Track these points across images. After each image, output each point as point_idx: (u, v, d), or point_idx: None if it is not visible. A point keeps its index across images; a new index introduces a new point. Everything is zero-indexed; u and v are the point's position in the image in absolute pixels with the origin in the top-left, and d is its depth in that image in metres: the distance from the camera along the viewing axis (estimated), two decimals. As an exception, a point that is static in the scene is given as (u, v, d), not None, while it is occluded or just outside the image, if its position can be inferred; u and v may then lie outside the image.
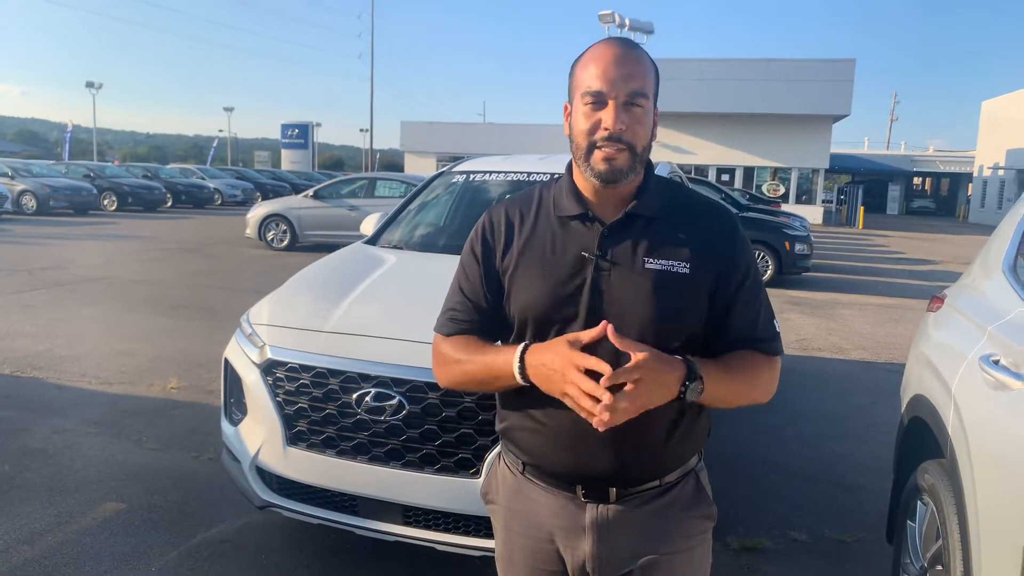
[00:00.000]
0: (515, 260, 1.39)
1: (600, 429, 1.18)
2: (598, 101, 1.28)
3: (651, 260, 1.32)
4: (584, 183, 1.37)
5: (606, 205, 1.37)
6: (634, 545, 1.39)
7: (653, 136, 1.34)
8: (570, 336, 1.24)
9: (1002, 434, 1.88)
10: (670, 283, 1.30)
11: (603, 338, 1.27)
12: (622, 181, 1.32)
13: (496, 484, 1.53)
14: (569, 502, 1.39)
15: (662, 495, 1.40)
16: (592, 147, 1.29)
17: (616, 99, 1.27)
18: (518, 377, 1.29)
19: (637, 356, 1.18)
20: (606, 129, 1.27)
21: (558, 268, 1.34)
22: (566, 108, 1.38)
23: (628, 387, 1.17)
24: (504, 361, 1.32)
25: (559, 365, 1.22)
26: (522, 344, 1.31)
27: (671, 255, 1.32)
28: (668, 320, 1.29)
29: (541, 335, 1.35)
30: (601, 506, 1.38)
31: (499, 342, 1.42)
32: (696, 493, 1.45)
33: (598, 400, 1.17)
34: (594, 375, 1.19)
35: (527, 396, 1.37)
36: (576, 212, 1.36)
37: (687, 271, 1.31)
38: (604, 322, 1.21)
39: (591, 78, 1.29)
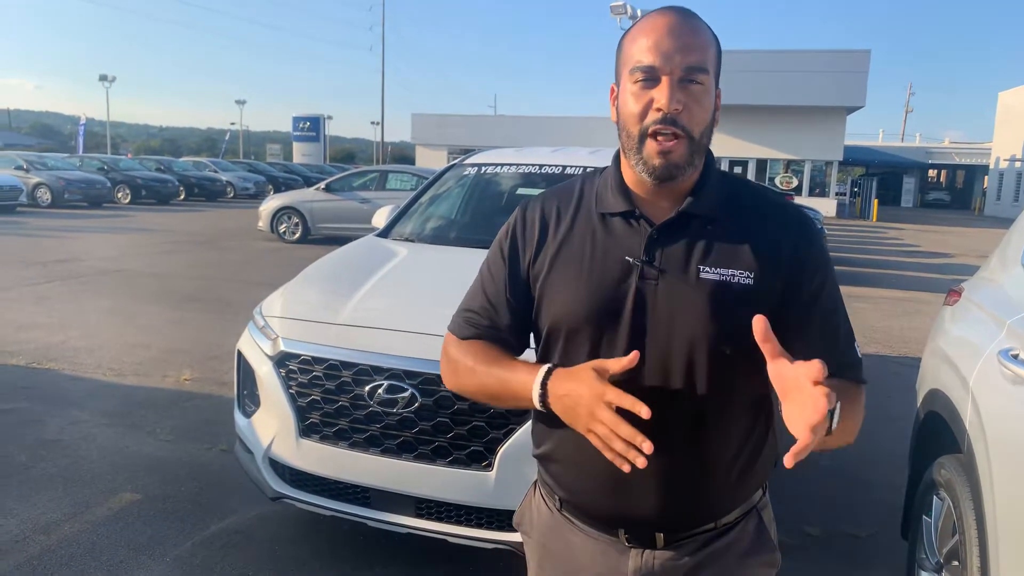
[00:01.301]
0: (548, 263, 1.21)
1: (633, 467, 1.01)
2: (650, 78, 1.09)
3: (707, 268, 1.13)
4: (632, 176, 1.18)
5: (656, 202, 1.18)
6: None
7: (715, 121, 1.15)
8: (597, 364, 1.06)
9: (1021, 428, 1.86)
10: (730, 296, 1.11)
11: (649, 356, 1.12)
12: (679, 178, 1.13)
13: (531, 516, 1.36)
14: (610, 547, 1.22)
15: (717, 538, 1.22)
16: (644, 135, 1.11)
17: (671, 75, 1.08)
18: (537, 404, 1.13)
19: (824, 389, 0.91)
20: (659, 110, 1.08)
21: (597, 274, 1.16)
22: (612, 91, 1.19)
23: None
24: (522, 383, 1.15)
25: (586, 399, 1.04)
26: (545, 367, 1.14)
27: (731, 263, 1.13)
28: (726, 340, 1.09)
29: (572, 350, 1.18)
30: (647, 552, 1.20)
31: (520, 355, 1.26)
32: (758, 535, 1.25)
33: (631, 445, 1.00)
34: (628, 415, 1.01)
35: (562, 421, 1.20)
36: (620, 209, 1.18)
37: (750, 282, 1.12)
38: (635, 353, 1.05)
39: (641, 51, 1.10)
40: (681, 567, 1.21)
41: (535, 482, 1.38)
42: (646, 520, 1.19)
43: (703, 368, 1.12)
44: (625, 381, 1.10)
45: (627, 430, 1.00)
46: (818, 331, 1.16)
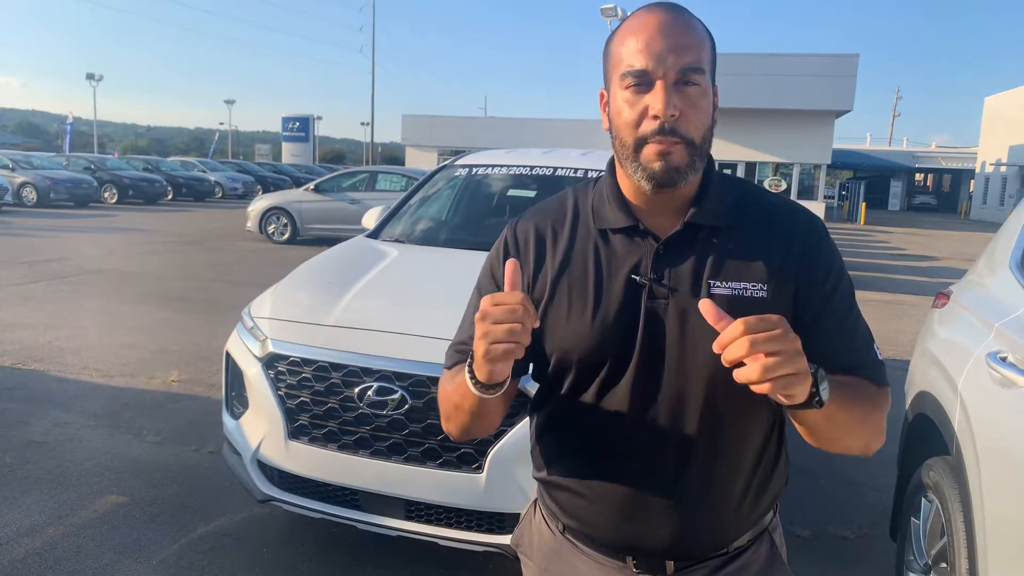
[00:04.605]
0: (549, 288, 1.12)
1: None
2: (642, 82, 1.01)
3: (718, 283, 1.05)
4: (630, 186, 1.09)
5: (659, 213, 1.09)
6: None
7: (714, 121, 1.06)
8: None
9: (1009, 431, 1.87)
10: (745, 312, 0.95)
11: (664, 380, 1.05)
12: (680, 183, 1.04)
13: (530, 536, 1.28)
14: (617, 572, 1.16)
15: (729, 563, 1.16)
16: (642, 143, 1.02)
17: (665, 78, 0.99)
18: (469, 383, 1.03)
19: (768, 317, 0.86)
20: (655, 117, 1.00)
21: (604, 298, 1.08)
22: (602, 96, 1.11)
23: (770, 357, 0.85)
24: (463, 377, 1.06)
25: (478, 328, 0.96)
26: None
27: (743, 275, 1.05)
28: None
29: (583, 380, 1.10)
30: None
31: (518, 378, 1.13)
32: (770, 560, 1.19)
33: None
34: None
35: (570, 447, 1.15)
36: (623, 224, 1.09)
37: (764, 295, 1.05)
38: (511, 260, 0.97)
39: (631, 54, 1.01)
40: None
41: (535, 501, 1.29)
42: (657, 549, 1.13)
43: (718, 390, 1.04)
44: (639, 407, 1.07)
45: (505, 301, 0.93)
46: (833, 334, 1.08)
